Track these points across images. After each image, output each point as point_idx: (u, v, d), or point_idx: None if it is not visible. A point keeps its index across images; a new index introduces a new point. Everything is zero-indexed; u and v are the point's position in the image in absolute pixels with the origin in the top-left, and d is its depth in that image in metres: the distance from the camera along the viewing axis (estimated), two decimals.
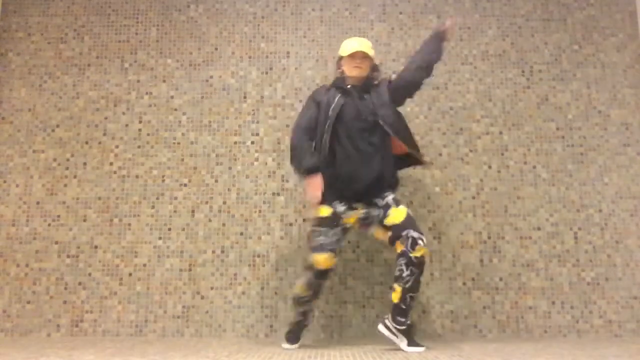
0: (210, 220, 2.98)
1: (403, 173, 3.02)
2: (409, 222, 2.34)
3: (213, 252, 2.94)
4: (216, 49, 3.19)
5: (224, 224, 2.97)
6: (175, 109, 3.12)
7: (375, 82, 2.54)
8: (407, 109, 3.11)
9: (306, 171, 2.39)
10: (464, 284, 2.90)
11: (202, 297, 2.88)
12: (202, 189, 3.01)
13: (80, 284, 2.90)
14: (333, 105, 2.45)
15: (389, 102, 2.48)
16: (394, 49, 3.20)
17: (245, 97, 3.13)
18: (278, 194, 3.00)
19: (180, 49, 3.20)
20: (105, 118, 3.11)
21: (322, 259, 2.33)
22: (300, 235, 2.95)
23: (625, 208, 3.01)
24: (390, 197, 2.41)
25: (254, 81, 3.15)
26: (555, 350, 2.29)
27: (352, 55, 2.48)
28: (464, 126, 3.10)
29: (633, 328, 2.85)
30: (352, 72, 2.48)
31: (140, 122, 3.10)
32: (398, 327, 2.29)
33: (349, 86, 2.48)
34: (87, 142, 3.07)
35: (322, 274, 2.36)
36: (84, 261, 2.92)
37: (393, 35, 3.22)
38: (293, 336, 2.45)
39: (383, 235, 2.41)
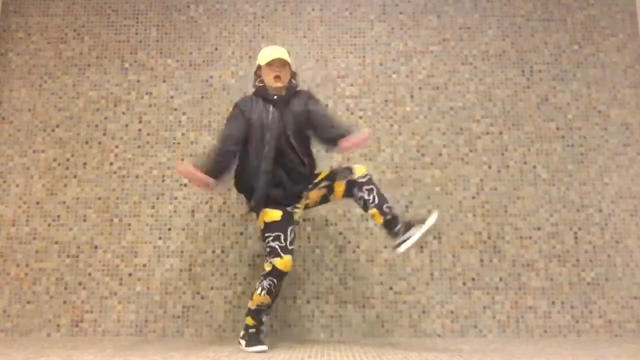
0: (210, 220, 2.98)
1: (403, 173, 3.03)
2: (334, 169, 2.45)
3: (213, 252, 2.94)
4: (216, 49, 3.19)
5: (224, 224, 2.97)
6: (175, 109, 3.12)
7: (296, 90, 2.52)
8: (407, 108, 3.11)
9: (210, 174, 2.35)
10: (464, 284, 2.90)
11: (202, 297, 2.88)
12: (202, 189, 3.01)
13: (80, 284, 2.90)
14: (269, 118, 2.40)
15: (300, 114, 2.45)
16: (394, 49, 3.20)
17: None
18: None
19: (180, 49, 3.20)
20: (105, 118, 3.11)
21: (284, 263, 2.26)
22: (300, 235, 2.95)
23: (625, 208, 3.01)
24: (325, 182, 2.45)
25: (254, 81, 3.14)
26: (555, 350, 2.29)
27: (270, 64, 2.43)
28: (464, 126, 3.10)
29: (633, 328, 2.85)
30: (272, 81, 2.43)
31: (140, 122, 3.10)
32: (403, 233, 2.27)
33: (275, 97, 2.44)
34: (87, 142, 3.07)
35: (283, 277, 2.30)
36: (84, 261, 2.92)
37: (393, 35, 3.22)
38: (257, 340, 2.34)
39: (339, 195, 2.44)
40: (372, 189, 2.33)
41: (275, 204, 2.40)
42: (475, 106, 3.13)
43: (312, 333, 2.82)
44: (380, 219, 2.30)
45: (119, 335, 2.83)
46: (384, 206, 2.30)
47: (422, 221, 2.26)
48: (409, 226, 2.27)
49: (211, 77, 3.16)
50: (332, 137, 2.39)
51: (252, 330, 2.37)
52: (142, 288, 2.89)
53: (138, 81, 3.15)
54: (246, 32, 3.21)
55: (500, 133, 3.09)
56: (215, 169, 2.35)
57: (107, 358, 2.08)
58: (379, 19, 3.24)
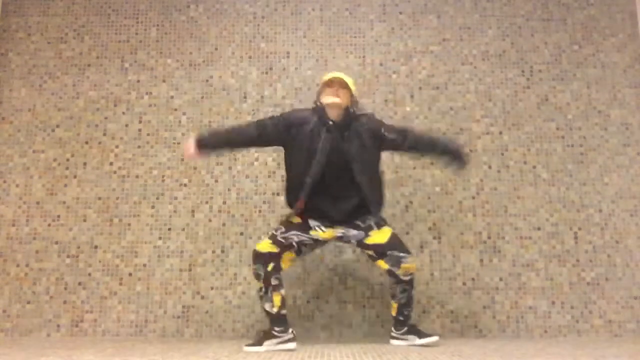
0: (210, 220, 2.98)
1: (403, 173, 3.03)
2: (392, 243, 2.39)
3: (213, 252, 2.94)
4: (216, 49, 3.19)
5: (224, 224, 2.97)
6: (175, 109, 3.12)
7: (357, 114, 2.46)
8: (407, 109, 3.11)
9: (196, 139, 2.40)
10: (464, 284, 2.90)
11: (202, 297, 2.88)
12: (202, 189, 3.01)
13: (80, 284, 2.90)
14: (320, 144, 2.35)
15: (369, 146, 2.41)
16: (394, 49, 3.20)
17: (245, 97, 3.13)
18: (278, 194, 2.99)
19: (180, 49, 3.20)
20: (105, 118, 3.11)
21: (261, 243, 2.36)
22: None
23: (625, 208, 3.01)
24: (372, 221, 2.42)
25: (254, 81, 3.15)
26: (555, 350, 2.29)
27: (330, 83, 2.40)
28: (464, 126, 3.10)
29: (633, 328, 2.85)
30: (329, 100, 2.37)
31: (140, 122, 3.10)
32: (403, 332, 2.45)
33: (331, 122, 2.38)
34: (87, 142, 3.08)
35: (261, 260, 2.32)
36: (84, 261, 2.92)
37: (393, 35, 3.22)
38: (273, 332, 2.33)
39: (366, 252, 2.47)
40: (406, 290, 2.40)
41: (308, 212, 2.40)
42: (475, 106, 3.13)
43: (312, 333, 2.82)
44: (394, 313, 2.45)
45: (119, 335, 2.83)
46: (405, 310, 2.43)
47: (425, 335, 2.41)
48: (412, 330, 2.44)
49: (211, 77, 3.16)
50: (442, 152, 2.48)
51: (270, 329, 2.37)
52: (142, 288, 2.89)
53: (138, 81, 3.15)
54: (246, 32, 3.21)
55: (500, 133, 3.09)
56: (216, 140, 2.43)
57: (107, 358, 2.08)
58: (379, 19, 3.24)
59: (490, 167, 3.05)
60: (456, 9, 3.26)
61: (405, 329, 2.44)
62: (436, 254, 2.94)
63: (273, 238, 2.37)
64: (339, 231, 2.42)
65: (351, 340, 2.73)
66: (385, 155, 3.04)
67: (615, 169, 3.05)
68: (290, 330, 2.33)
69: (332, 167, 2.35)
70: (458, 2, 3.27)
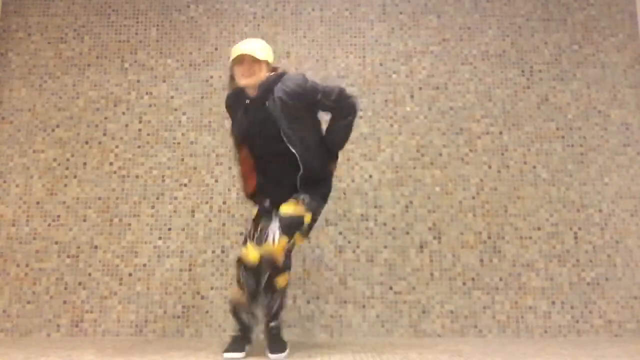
0: (210, 220, 2.98)
1: (403, 173, 3.02)
2: (282, 220, 2.16)
3: (213, 252, 2.94)
4: (216, 49, 3.19)
5: (224, 224, 2.97)
6: (175, 109, 3.12)
7: (276, 78, 2.28)
8: (407, 108, 3.11)
9: None
10: (464, 284, 2.90)
11: (202, 297, 2.88)
12: (202, 189, 3.01)
13: (80, 284, 2.90)
14: (237, 124, 2.33)
15: (294, 106, 2.24)
16: (394, 49, 3.19)
17: None
18: None
19: (180, 49, 3.20)
20: (105, 118, 3.10)
21: (249, 252, 2.20)
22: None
23: (625, 208, 3.00)
24: (300, 195, 2.24)
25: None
26: (555, 350, 2.29)
27: (239, 60, 2.25)
28: (464, 126, 3.10)
29: (633, 328, 2.85)
30: (241, 81, 2.25)
31: (140, 122, 3.10)
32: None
33: (247, 101, 2.29)
34: (87, 142, 3.07)
35: (247, 269, 2.20)
36: (84, 261, 2.92)
37: (393, 35, 3.22)
38: (235, 345, 2.22)
39: None
40: (256, 281, 2.23)
41: (259, 197, 2.36)
42: (475, 106, 3.13)
43: (312, 333, 2.82)
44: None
45: (119, 335, 2.83)
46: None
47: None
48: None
49: (211, 77, 3.16)
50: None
51: (233, 334, 2.31)
52: (142, 288, 2.89)
53: (138, 81, 3.15)
54: (246, 32, 3.21)
55: (500, 133, 3.09)
56: None
57: (107, 358, 2.08)
58: (379, 19, 3.24)
59: (490, 167, 3.05)
60: (456, 9, 3.26)
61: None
62: (436, 254, 2.93)
63: (245, 241, 2.29)
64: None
65: (351, 340, 2.73)
66: (385, 155, 3.04)
67: (615, 169, 3.05)
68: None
69: (270, 143, 2.23)
70: (458, 2, 3.27)
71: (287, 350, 2.20)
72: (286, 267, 2.20)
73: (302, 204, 2.21)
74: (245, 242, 2.31)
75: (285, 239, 2.14)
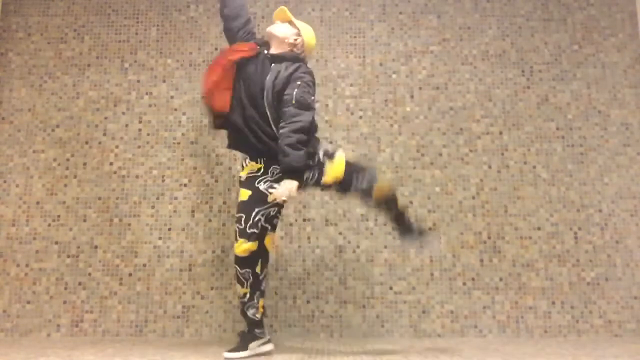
0: (210, 220, 2.98)
1: (403, 173, 3.02)
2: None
3: (213, 252, 2.94)
4: (216, 49, 3.19)
5: (224, 224, 2.97)
6: (175, 109, 3.12)
7: (290, 56, 2.34)
8: (407, 108, 3.11)
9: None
10: (464, 284, 2.90)
11: (202, 297, 2.88)
12: (202, 189, 3.01)
13: (80, 284, 2.90)
14: (254, 70, 2.33)
15: (281, 88, 2.24)
16: (394, 49, 3.19)
17: None
18: None
19: (180, 49, 3.20)
20: (105, 118, 3.10)
21: (240, 246, 2.22)
22: (300, 235, 2.95)
23: (625, 208, 3.00)
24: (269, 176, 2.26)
25: None
26: (555, 350, 2.29)
27: (281, 19, 2.49)
28: (464, 126, 3.10)
29: (633, 328, 2.85)
30: (275, 27, 2.44)
31: (140, 122, 3.10)
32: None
33: (266, 52, 2.37)
34: (87, 142, 3.07)
35: (247, 262, 2.24)
36: (84, 261, 2.92)
37: (393, 35, 3.22)
38: (245, 343, 2.26)
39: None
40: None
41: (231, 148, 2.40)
42: (475, 106, 3.13)
43: (312, 333, 2.82)
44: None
45: (119, 335, 2.83)
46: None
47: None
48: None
49: None
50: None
51: (243, 330, 2.33)
52: (142, 288, 2.89)
53: (138, 81, 3.15)
54: None
55: (500, 133, 3.09)
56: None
57: (107, 358, 2.08)
58: (379, 19, 3.24)
59: (490, 167, 3.05)
60: (456, 9, 3.26)
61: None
62: (436, 254, 2.93)
63: (244, 234, 2.20)
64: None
65: (351, 340, 2.73)
66: (385, 155, 3.04)
67: (615, 169, 3.05)
68: (266, 331, 2.32)
69: (255, 97, 2.25)
70: (458, 2, 3.27)
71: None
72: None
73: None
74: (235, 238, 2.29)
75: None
